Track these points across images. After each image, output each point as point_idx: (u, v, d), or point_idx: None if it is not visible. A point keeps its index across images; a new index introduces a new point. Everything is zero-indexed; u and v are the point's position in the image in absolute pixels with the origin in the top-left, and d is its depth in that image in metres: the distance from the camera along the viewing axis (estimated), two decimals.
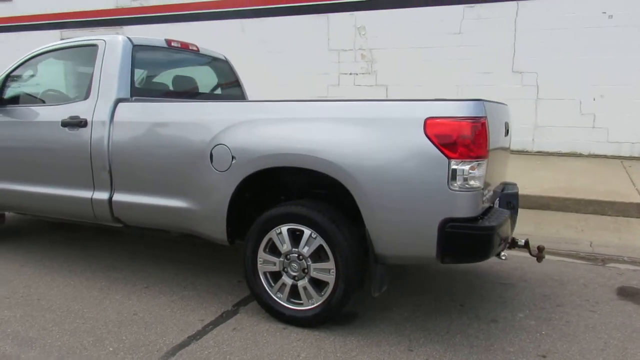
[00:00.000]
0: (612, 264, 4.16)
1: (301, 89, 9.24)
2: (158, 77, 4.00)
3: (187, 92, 4.15)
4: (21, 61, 3.99)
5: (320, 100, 2.98)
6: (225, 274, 3.72)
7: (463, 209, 2.48)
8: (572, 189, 6.16)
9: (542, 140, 8.19)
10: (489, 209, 2.85)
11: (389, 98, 2.50)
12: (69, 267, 3.88)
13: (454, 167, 2.44)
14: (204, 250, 4.27)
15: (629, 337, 2.85)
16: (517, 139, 8.18)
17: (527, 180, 6.51)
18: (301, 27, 9.42)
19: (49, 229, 5.00)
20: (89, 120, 3.45)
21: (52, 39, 11.70)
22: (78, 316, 3.02)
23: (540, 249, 3.24)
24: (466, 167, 2.44)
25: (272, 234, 2.91)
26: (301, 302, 2.90)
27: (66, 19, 11.90)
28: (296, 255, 2.86)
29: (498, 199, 3.29)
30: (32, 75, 3.95)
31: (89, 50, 3.64)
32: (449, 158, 2.45)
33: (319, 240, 2.78)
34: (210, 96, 4.33)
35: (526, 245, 3.25)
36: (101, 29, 11.43)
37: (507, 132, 3.21)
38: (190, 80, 4.28)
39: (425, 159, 2.49)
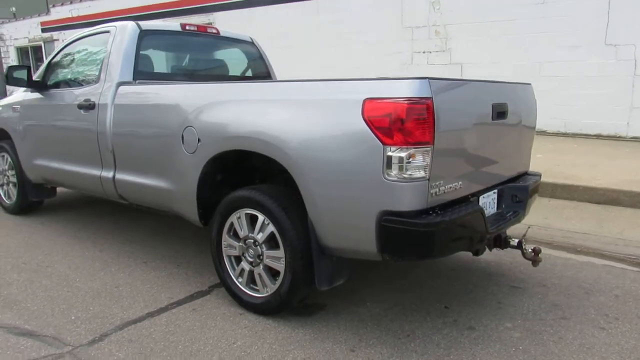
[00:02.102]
0: None
1: (374, 70, 8.95)
2: (167, 61, 4.12)
3: (198, 74, 4.22)
4: (58, 49, 4.36)
5: (274, 81, 2.84)
6: None
7: (402, 202, 2.21)
8: None
9: (639, 124, 7.02)
10: (459, 201, 2.50)
11: (334, 78, 2.31)
12: (93, 239, 4.21)
13: (389, 154, 2.18)
14: None
15: None
16: (608, 122, 7.15)
17: (602, 171, 5.67)
18: (375, 4, 9.07)
19: (96, 203, 5.44)
20: (96, 102, 3.67)
21: None
22: (68, 285, 3.26)
23: (536, 252, 2.81)
24: (403, 155, 2.16)
25: (233, 217, 2.87)
26: (258, 289, 2.84)
27: (167, 9, 12.79)
28: (252, 241, 2.79)
29: (495, 191, 2.90)
30: (65, 62, 4.30)
31: (104, 37, 3.86)
32: (384, 144, 2.19)
33: (271, 227, 2.67)
34: (223, 78, 4.36)
35: (519, 246, 2.83)
36: (195, 16, 12.11)
37: (503, 115, 2.78)
38: (202, 62, 4.34)
39: (362, 145, 2.25)
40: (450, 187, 2.39)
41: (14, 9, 21.20)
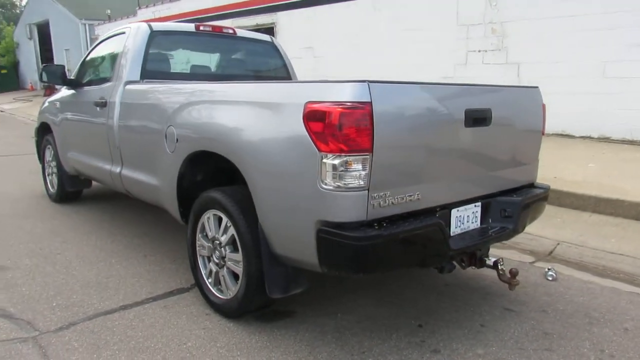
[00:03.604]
0: None
1: (427, 70, 8.63)
2: (178, 61, 4.22)
3: (209, 75, 4.28)
4: (90, 49, 4.64)
5: (234, 83, 2.80)
6: None
7: (337, 212, 2.09)
8: None
9: None
10: (420, 213, 2.32)
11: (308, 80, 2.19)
12: (112, 229, 4.44)
13: (324, 161, 2.07)
14: None
15: None
16: None
17: None
18: (431, 0, 8.72)
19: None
20: (108, 100, 3.85)
21: None
22: (67, 272, 3.45)
23: (513, 274, 2.53)
24: (336, 162, 2.04)
25: (204, 218, 2.88)
26: (223, 290, 2.83)
27: (235, 9, 13.21)
28: (218, 242, 2.78)
29: (478, 204, 2.67)
30: (92, 61, 4.56)
31: (122, 38, 4.04)
32: (319, 151, 2.08)
33: (232, 230, 2.65)
34: (235, 78, 4.38)
35: (494, 266, 2.58)
36: (259, 16, 12.41)
37: (483, 121, 2.53)
38: (214, 63, 4.40)
39: (301, 151, 2.16)
40: (403, 199, 2.22)
41: (109, 11, 22.94)
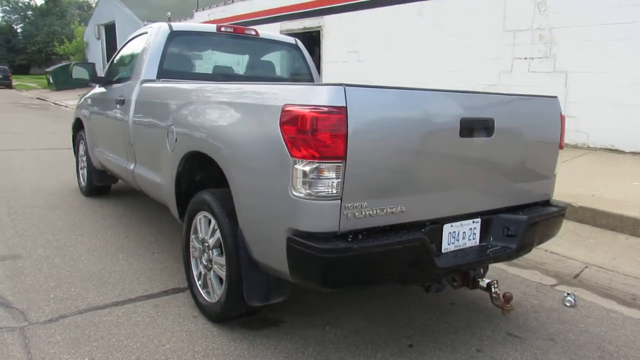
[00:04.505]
0: None
1: (469, 76, 8.30)
2: (196, 61, 4.23)
3: (226, 75, 4.26)
4: (119, 49, 4.76)
5: (228, 83, 2.74)
6: None
7: (306, 222, 1.98)
8: None
9: None
10: (406, 227, 2.17)
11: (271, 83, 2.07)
12: (130, 225, 4.52)
13: (295, 167, 1.97)
14: None
15: None
16: None
17: None
18: (478, 5, 8.38)
19: None
20: (126, 99, 3.92)
21: (273, 31, 13.32)
22: (73, 265, 3.52)
23: (507, 299, 2.33)
24: (307, 169, 1.94)
25: (197, 218, 2.85)
26: (209, 293, 2.79)
27: (284, 12, 13.33)
28: (207, 244, 2.74)
29: (478, 220, 2.48)
30: (118, 59, 4.67)
31: (144, 37, 4.11)
32: (291, 156, 1.98)
33: (219, 233, 2.60)
34: (254, 79, 4.35)
35: (488, 288, 2.38)
36: (307, 20, 12.44)
37: (484, 132, 2.35)
38: (233, 64, 4.38)
39: (275, 155, 2.07)
40: (383, 210, 2.09)
41: (169, 13, 23.78)
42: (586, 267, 3.89)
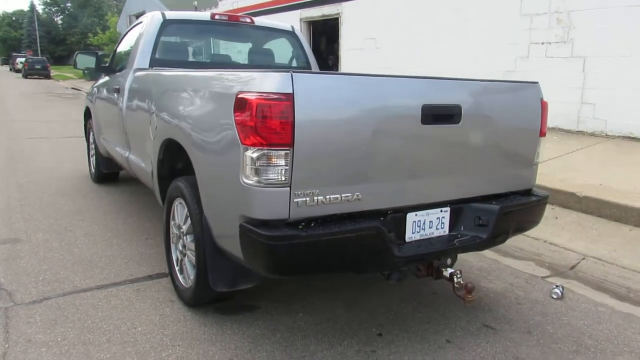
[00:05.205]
0: None
1: (485, 61, 8.08)
2: (189, 49, 4.26)
3: (220, 63, 4.28)
4: (120, 39, 4.84)
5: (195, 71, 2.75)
6: None
7: (255, 209, 1.99)
8: None
9: None
10: (364, 215, 2.16)
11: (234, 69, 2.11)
12: (130, 211, 4.63)
13: (245, 154, 1.98)
14: None
15: None
16: None
17: None
18: None
19: None
20: (121, 87, 4.00)
21: (293, 19, 13.28)
22: (68, 250, 3.64)
23: (469, 290, 2.28)
24: (255, 156, 1.94)
25: (174, 205, 2.90)
26: (185, 278, 2.84)
27: (299, 1, 13.27)
28: (182, 231, 2.79)
29: (447, 209, 2.44)
30: (119, 49, 4.75)
31: (140, 26, 4.17)
32: (242, 144, 1.99)
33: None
34: (247, 67, 4.35)
35: (450, 278, 2.33)
36: (325, 7, 12.35)
37: (448, 119, 2.30)
38: (228, 52, 4.39)
39: (229, 143, 2.09)
40: (337, 199, 2.08)
41: (196, 2, 24.01)
42: (583, 259, 3.77)
